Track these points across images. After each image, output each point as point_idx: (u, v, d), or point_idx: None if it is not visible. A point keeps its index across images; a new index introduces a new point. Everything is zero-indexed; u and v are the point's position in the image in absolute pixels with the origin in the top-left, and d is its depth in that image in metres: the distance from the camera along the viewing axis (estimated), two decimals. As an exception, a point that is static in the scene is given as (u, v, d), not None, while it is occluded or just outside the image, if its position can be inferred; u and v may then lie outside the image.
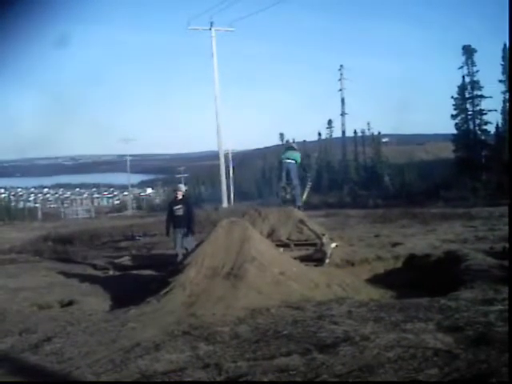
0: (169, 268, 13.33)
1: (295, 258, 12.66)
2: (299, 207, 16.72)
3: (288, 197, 17.38)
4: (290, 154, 17.60)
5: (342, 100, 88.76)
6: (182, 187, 16.90)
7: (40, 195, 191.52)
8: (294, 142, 23.77)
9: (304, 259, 13.10)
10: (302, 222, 14.83)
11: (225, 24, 48.11)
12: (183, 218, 15.58)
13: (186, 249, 14.77)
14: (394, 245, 16.20)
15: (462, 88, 58.87)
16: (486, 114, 58.69)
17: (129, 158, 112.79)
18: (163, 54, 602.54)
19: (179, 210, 15.60)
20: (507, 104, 59.92)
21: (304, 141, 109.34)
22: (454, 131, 59.93)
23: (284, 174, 17.35)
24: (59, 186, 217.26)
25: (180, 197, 15.94)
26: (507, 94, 59.18)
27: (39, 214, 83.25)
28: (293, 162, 17.36)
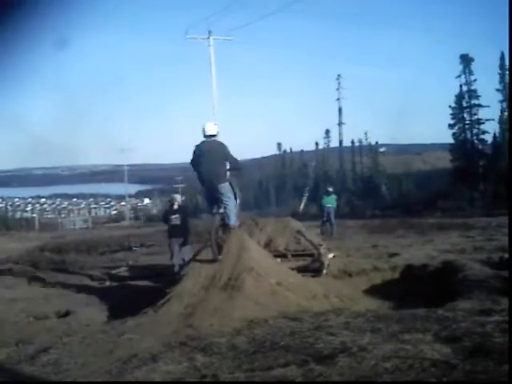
0: (166, 279, 13.35)
1: (292, 269, 12.65)
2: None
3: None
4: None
5: (340, 110, 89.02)
6: (178, 197, 16.95)
7: (37, 205, 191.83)
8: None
9: (301, 270, 13.10)
10: (299, 232, 14.85)
11: (223, 33, 48.21)
12: (180, 227, 15.63)
13: (183, 259, 14.80)
14: (392, 255, 16.22)
15: (459, 97, 59.12)
16: (483, 123, 59.01)
17: (126, 168, 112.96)
18: (161, 62, 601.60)
19: (176, 219, 15.65)
20: (505, 113, 60.22)
21: (301, 150, 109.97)
22: (452, 141, 60.17)
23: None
24: (56, 196, 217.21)
25: (176, 206, 15.99)
26: (505, 103, 59.44)
27: (36, 224, 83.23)
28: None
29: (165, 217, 16.28)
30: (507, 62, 58.44)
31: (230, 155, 11.76)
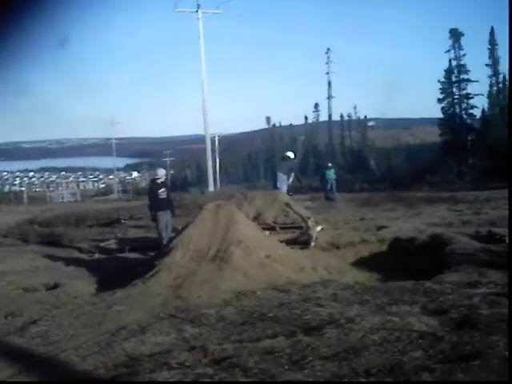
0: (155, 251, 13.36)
1: (281, 241, 12.68)
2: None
3: None
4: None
5: (329, 83, 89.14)
6: (163, 171, 16.90)
7: (26, 179, 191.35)
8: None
9: (290, 242, 13.12)
10: (287, 205, 14.86)
11: (212, 6, 48.01)
12: (166, 201, 15.67)
13: (172, 228, 14.96)
14: (380, 228, 16.23)
15: (448, 72, 59.03)
16: (472, 98, 59.02)
17: (114, 142, 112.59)
18: (150, 37, 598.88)
19: (163, 193, 15.65)
20: (493, 88, 60.27)
21: (290, 124, 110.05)
22: (441, 115, 60.15)
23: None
24: (45, 169, 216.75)
25: (161, 180, 16.01)
26: (494, 78, 59.53)
27: (25, 197, 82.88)
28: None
29: (152, 191, 16.23)
30: (497, 37, 58.54)
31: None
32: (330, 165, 34.35)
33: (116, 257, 15.56)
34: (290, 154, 20.07)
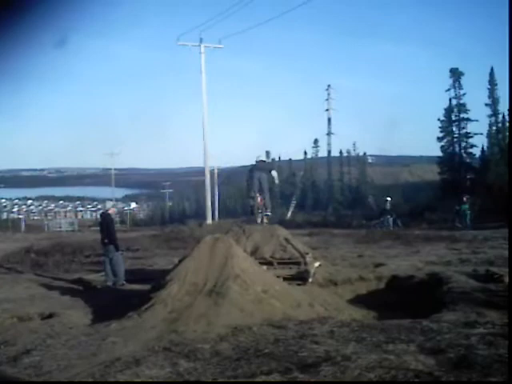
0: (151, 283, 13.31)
1: (278, 277, 12.64)
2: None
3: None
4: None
5: (329, 120, 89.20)
6: (111, 203, 17.38)
7: (24, 207, 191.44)
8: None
9: (287, 278, 13.10)
10: (285, 240, 14.84)
11: (214, 41, 48.32)
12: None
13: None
14: (377, 265, 16.22)
15: (448, 110, 59.41)
16: (471, 137, 59.41)
17: (113, 172, 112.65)
18: (152, 68, 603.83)
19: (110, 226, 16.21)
20: (493, 128, 60.56)
21: (290, 159, 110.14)
22: (440, 153, 60.49)
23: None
24: (43, 198, 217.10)
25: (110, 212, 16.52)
26: (493, 117, 59.79)
27: (22, 225, 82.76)
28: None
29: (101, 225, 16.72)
30: (496, 76, 58.93)
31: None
32: (465, 199, 36.80)
33: (111, 288, 15.50)
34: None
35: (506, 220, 26.19)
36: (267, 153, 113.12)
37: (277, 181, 19.42)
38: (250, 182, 18.55)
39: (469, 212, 36.26)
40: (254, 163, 18.96)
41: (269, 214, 18.30)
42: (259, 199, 18.01)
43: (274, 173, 18.90)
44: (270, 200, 18.99)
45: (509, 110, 52.09)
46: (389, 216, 37.33)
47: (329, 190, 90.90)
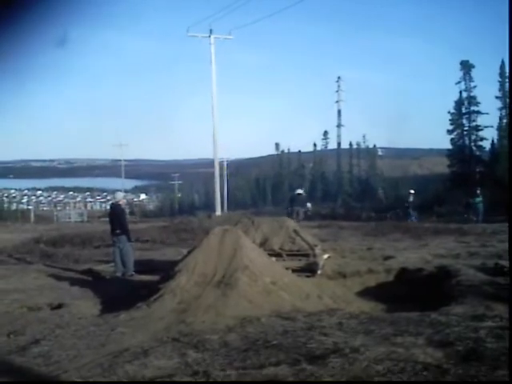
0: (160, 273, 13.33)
1: (287, 268, 12.64)
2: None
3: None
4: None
5: (339, 112, 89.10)
6: (121, 194, 17.40)
7: (33, 197, 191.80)
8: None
9: (296, 270, 13.09)
10: (294, 232, 14.83)
11: (224, 32, 48.26)
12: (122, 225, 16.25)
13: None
14: (386, 258, 16.19)
15: (458, 103, 59.10)
16: (481, 129, 59.07)
17: (123, 163, 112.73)
18: (161, 60, 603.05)
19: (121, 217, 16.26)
20: (504, 120, 60.22)
21: (299, 151, 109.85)
22: (450, 146, 60.15)
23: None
24: (53, 188, 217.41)
25: (121, 203, 16.62)
26: (504, 110, 59.50)
27: (32, 216, 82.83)
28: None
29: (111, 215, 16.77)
30: (507, 69, 58.61)
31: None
32: (478, 192, 37.32)
33: (120, 278, 15.53)
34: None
35: (506, 217, 26.25)
36: (276, 145, 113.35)
37: (309, 212, 31.44)
38: (291, 210, 29.27)
39: (481, 205, 36.73)
40: (293, 194, 31.62)
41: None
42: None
43: (309, 204, 31.50)
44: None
45: (509, 110, 51.85)
46: (411, 209, 38.89)
47: (338, 182, 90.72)
